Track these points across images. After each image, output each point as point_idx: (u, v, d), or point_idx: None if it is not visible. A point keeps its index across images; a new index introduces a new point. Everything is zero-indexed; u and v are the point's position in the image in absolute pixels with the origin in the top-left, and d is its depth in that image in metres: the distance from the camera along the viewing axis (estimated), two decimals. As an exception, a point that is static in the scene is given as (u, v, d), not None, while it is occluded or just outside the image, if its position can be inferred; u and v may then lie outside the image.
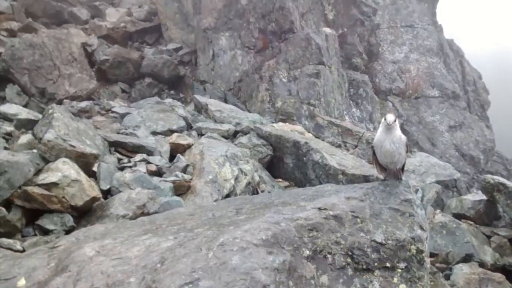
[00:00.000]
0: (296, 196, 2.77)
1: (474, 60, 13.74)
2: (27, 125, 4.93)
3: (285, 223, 2.32)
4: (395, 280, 2.28)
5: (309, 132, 7.29)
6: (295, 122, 7.68)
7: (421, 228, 2.43)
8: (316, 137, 6.98)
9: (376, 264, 2.28)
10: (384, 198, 2.54)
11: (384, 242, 2.33)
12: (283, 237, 2.23)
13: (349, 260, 2.26)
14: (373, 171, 5.72)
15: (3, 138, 4.33)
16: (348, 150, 6.93)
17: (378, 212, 2.43)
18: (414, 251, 2.34)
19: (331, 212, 2.40)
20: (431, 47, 11.79)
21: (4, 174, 3.36)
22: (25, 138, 4.20)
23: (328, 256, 2.25)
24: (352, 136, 7.31)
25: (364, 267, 2.26)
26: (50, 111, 4.39)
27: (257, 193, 4.82)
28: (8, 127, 4.64)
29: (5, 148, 4.06)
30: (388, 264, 2.29)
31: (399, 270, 2.30)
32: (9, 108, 5.34)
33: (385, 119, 2.69)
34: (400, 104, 10.48)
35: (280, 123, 7.23)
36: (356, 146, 7.14)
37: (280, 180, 5.98)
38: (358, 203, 2.48)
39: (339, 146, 6.98)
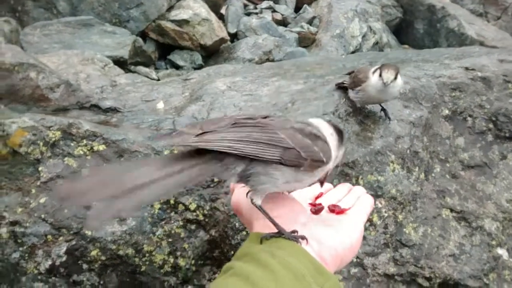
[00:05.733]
0: (439, 54, 2.54)
1: None
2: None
3: (426, 79, 2.16)
4: (540, 154, 2.09)
5: (446, -4, 6.53)
6: (432, -15, 6.87)
7: None
8: (453, 2, 6.25)
9: (521, 134, 2.09)
10: (545, 64, 2.23)
11: (535, 112, 2.10)
12: (422, 93, 2.09)
13: (491, 125, 2.09)
14: (517, 45, 5.12)
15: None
16: (488, 21, 6.16)
17: (535, 79, 2.16)
18: None
19: (479, 73, 2.18)
20: None
21: (141, 6, 3.47)
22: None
23: (469, 118, 2.09)
24: (497, 6, 6.42)
25: (507, 135, 2.08)
26: None
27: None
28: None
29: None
30: (535, 136, 2.09)
31: (547, 144, 2.09)
32: None
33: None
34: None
35: (415, -16, 6.53)
36: (499, 18, 6.31)
37: (407, 46, 5.59)
38: (514, 67, 2.21)
39: (480, 15, 6.21)
